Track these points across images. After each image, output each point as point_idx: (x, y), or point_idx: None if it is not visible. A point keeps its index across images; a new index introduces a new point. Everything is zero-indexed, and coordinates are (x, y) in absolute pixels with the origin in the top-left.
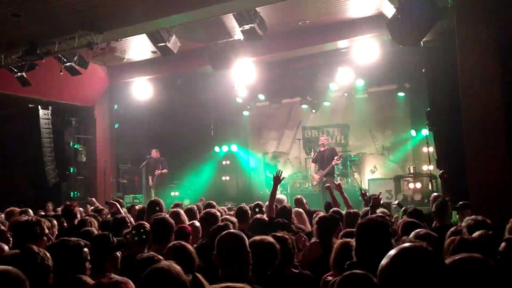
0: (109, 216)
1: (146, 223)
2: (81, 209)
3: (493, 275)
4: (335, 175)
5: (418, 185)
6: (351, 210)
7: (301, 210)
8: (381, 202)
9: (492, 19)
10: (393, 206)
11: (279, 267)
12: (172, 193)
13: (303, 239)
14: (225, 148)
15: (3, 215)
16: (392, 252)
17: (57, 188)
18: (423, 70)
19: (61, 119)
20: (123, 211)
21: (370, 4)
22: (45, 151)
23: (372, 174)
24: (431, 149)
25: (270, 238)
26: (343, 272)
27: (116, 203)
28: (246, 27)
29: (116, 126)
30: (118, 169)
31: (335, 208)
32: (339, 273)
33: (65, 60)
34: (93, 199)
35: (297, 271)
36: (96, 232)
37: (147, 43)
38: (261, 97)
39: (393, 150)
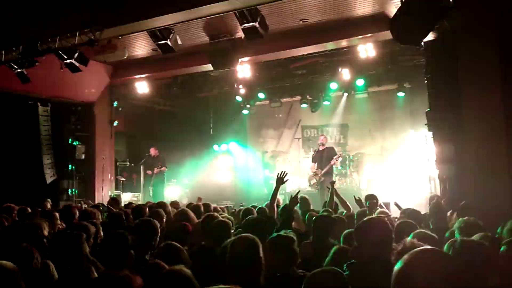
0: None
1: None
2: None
3: None
4: (334, 175)
5: (417, 186)
6: (349, 213)
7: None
8: (380, 202)
9: (493, 19)
10: (391, 206)
11: (284, 268)
12: (171, 191)
13: None
14: (224, 147)
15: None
16: (406, 256)
17: (55, 185)
18: (424, 70)
19: (60, 116)
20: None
21: (371, 3)
22: (44, 148)
23: (371, 174)
24: (431, 149)
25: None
26: None
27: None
28: (247, 25)
29: (115, 124)
30: (117, 167)
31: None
32: None
33: (65, 57)
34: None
35: (302, 272)
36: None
37: (148, 40)
38: (261, 96)
39: (392, 150)
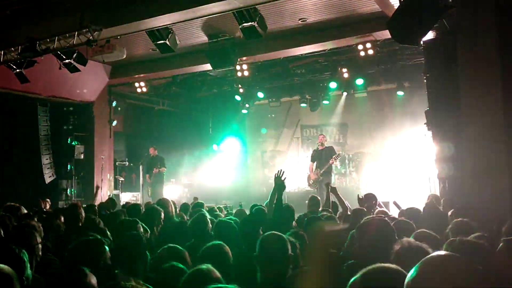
0: None
1: None
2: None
3: None
4: (333, 174)
5: (416, 185)
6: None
7: None
8: (379, 202)
9: (493, 18)
10: (390, 205)
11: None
12: (170, 191)
13: None
14: (223, 147)
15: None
16: (419, 264)
17: (54, 185)
18: (423, 70)
19: (59, 116)
20: None
21: (370, 3)
22: (43, 148)
23: (370, 173)
24: (430, 148)
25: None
26: None
27: None
28: (246, 25)
29: (114, 124)
30: (116, 167)
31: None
32: None
33: (64, 57)
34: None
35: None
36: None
37: (146, 40)
38: (260, 95)
39: (392, 149)
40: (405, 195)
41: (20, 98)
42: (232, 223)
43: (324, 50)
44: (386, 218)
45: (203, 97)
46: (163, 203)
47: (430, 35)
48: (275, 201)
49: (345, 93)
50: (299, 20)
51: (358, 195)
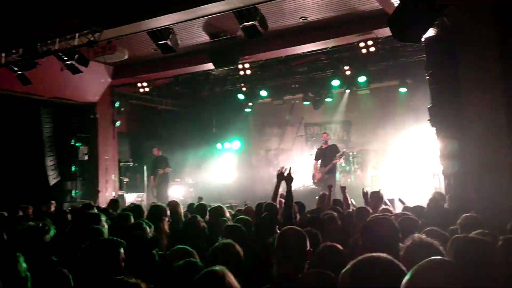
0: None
1: None
2: None
3: None
4: (337, 172)
5: (421, 181)
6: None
7: None
8: (384, 199)
9: (493, 15)
10: (396, 203)
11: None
12: (175, 191)
13: None
14: (227, 145)
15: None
16: (415, 267)
17: (58, 187)
18: (425, 67)
19: (62, 118)
20: None
21: (371, 1)
22: (46, 150)
23: (374, 170)
24: (434, 145)
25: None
26: None
27: None
28: (247, 24)
29: (117, 124)
30: (120, 167)
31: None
32: None
33: (65, 58)
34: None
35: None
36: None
37: (148, 41)
38: (263, 93)
39: (395, 146)
40: (410, 191)
41: (22, 100)
42: (240, 226)
43: (326, 48)
44: (390, 217)
45: (206, 97)
46: (174, 205)
47: (431, 32)
48: (285, 194)
49: (347, 91)
50: (300, 18)
51: (363, 189)
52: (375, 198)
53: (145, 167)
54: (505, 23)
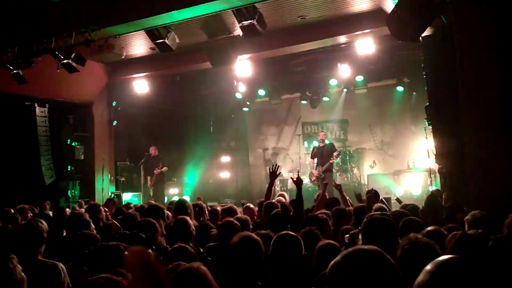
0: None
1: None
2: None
3: None
4: (334, 171)
5: (417, 180)
6: (349, 208)
7: None
8: (380, 197)
9: (491, 13)
10: (392, 201)
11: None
12: (171, 190)
13: None
14: (223, 145)
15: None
16: (429, 267)
17: (54, 187)
18: (422, 65)
19: (58, 117)
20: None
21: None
22: (42, 149)
23: (371, 169)
24: (430, 144)
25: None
26: None
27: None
28: (245, 23)
29: (114, 124)
30: (116, 167)
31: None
32: None
33: (62, 57)
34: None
35: None
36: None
37: (145, 39)
38: (261, 93)
39: (392, 145)
40: (407, 190)
41: (18, 99)
42: (235, 224)
43: (324, 47)
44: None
45: (204, 96)
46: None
47: (428, 30)
48: (295, 197)
49: (345, 90)
50: (298, 17)
51: (354, 192)
52: (371, 196)
53: (141, 167)
54: (504, 20)
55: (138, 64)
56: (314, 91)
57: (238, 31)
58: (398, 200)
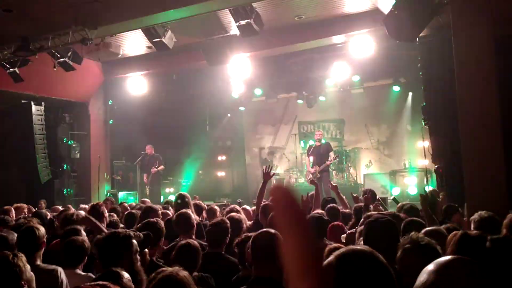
0: None
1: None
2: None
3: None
4: (331, 170)
5: (414, 179)
6: (346, 210)
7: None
8: (377, 197)
9: (487, 14)
10: (388, 201)
11: None
12: (167, 190)
13: None
14: (219, 144)
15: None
16: (431, 267)
17: (50, 185)
18: (419, 65)
19: (55, 115)
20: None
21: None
22: (38, 148)
23: (367, 168)
24: (427, 143)
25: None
26: None
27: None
28: (242, 22)
29: (110, 122)
30: (113, 166)
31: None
32: None
33: (58, 55)
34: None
35: None
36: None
37: (142, 38)
38: (257, 92)
39: (389, 145)
40: (403, 190)
41: (14, 97)
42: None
43: (320, 47)
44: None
45: (200, 94)
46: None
47: (425, 31)
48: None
49: (341, 89)
50: (295, 17)
51: (352, 193)
52: (368, 197)
53: (137, 166)
54: (500, 21)
55: (135, 62)
56: (311, 90)
57: (234, 30)
58: (394, 199)
